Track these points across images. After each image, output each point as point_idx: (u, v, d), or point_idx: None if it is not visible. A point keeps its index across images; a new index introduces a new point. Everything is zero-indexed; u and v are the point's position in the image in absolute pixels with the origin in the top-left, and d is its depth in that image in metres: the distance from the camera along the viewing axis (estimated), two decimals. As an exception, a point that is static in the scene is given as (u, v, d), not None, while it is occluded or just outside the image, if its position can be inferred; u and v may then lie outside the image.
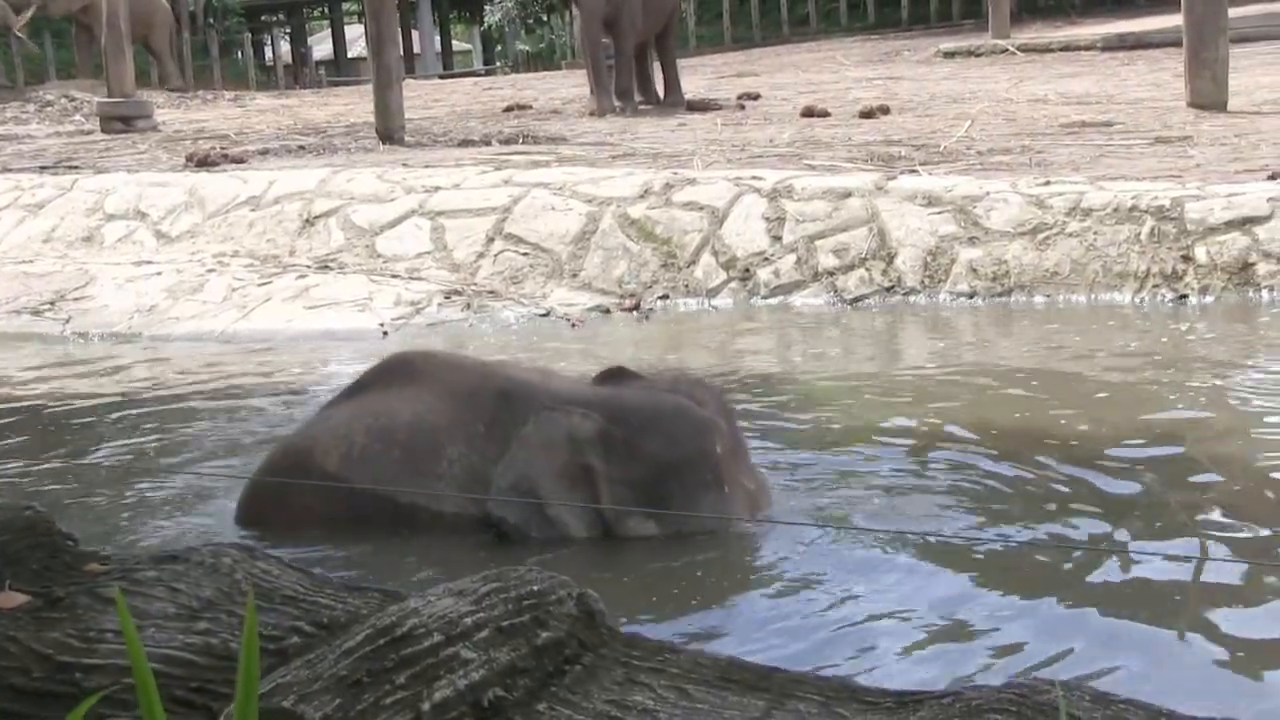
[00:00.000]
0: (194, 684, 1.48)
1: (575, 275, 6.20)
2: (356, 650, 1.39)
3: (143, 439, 4.15)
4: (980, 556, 2.81)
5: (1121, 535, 2.90)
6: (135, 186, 7.68)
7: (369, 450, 3.02)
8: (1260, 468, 3.32)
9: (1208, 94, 8.63)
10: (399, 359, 3.32)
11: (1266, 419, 3.84)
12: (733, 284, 6.01)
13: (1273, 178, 6.00)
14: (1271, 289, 5.35)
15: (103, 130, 11.60)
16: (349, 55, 31.43)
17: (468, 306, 5.94)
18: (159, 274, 6.52)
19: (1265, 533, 2.93)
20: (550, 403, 2.96)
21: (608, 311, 5.88)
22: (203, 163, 8.46)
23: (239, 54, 24.71)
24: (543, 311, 5.89)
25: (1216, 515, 3.03)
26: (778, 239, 6.07)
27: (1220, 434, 3.65)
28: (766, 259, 6.03)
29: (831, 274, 5.92)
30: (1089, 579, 2.66)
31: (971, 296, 5.67)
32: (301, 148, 9.37)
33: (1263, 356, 4.68)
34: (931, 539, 2.87)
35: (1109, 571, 2.70)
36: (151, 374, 5.25)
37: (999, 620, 2.49)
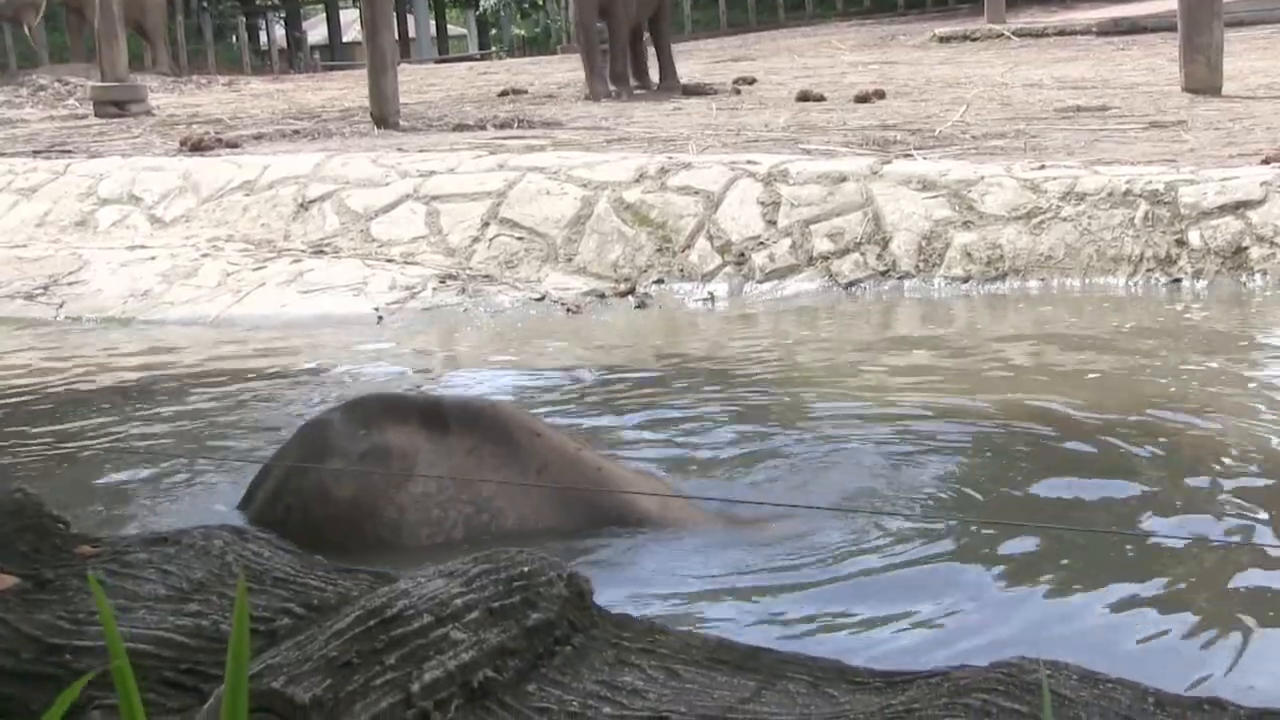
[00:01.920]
0: (184, 666, 1.48)
1: (570, 259, 6.19)
2: (346, 632, 1.39)
3: (135, 423, 4.15)
4: (971, 539, 2.82)
5: (1116, 517, 2.90)
6: (129, 171, 7.66)
7: None
8: (1257, 451, 3.32)
9: (1202, 79, 8.63)
10: (491, 411, 2.94)
11: (1263, 403, 3.85)
12: (728, 268, 6.00)
13: (1266, 162, 6.00)
14: (1265, 273, 5.35)
15: (96, 114, 11.58)
16: (344, 40, 31.37)
17: (463, 291, 5.93)
18: (153, 258, 6.51)
19: (1262, 514, 2.93)
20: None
21: (603, 296, 5.87)
22: (197, 147, 8.44)
23: (233, 38, 24.67)
24: (538, 296, 5.89)
25: (1212, 495, 3.03)
26: (773, 223, 6.06)
27: (1218, 416, 3.65)
28: (761, 243, 6.02)
29: (826, 258, 5.91)
30: (1084, 561, 2.66)
31: (966, 281, 5.66)
32: (296, 132, 9.36)
33: (1258, 339, 4.68)
34: (919, 521, 2.88)
35: (1103, 554, 2.70)
36: (145, 358, 5.24)
37: (991, 602, 2.49)
